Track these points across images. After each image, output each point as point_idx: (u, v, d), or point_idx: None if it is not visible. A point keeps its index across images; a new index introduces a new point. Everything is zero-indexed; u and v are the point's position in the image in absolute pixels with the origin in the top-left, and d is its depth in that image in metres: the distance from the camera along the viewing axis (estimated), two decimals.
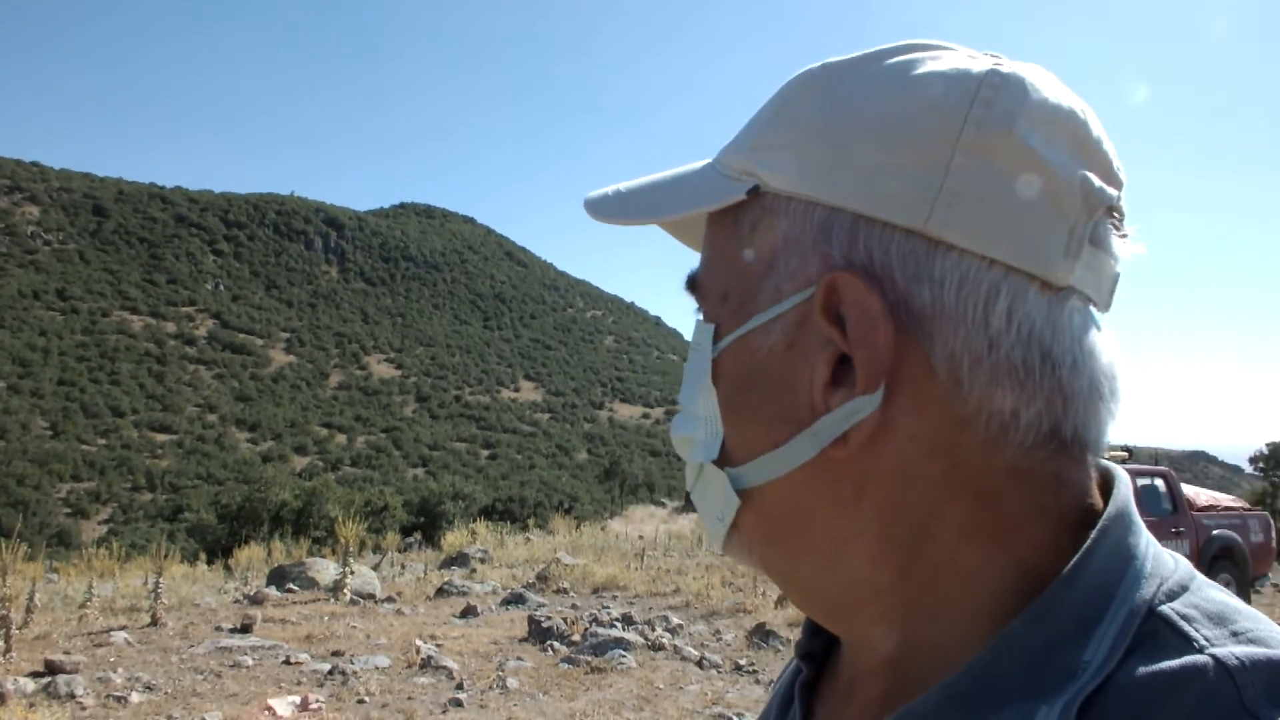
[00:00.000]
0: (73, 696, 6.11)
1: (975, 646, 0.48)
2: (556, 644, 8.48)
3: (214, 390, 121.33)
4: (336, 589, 11.18)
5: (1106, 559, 0.48)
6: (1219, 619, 0.46)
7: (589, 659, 7.82)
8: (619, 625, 9.21)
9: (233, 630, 8.82)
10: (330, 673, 7.19)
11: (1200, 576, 0.50)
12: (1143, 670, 0.44)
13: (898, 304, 0.49)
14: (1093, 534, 0.49)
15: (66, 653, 7.33)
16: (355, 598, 11.06)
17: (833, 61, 0.55)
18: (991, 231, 0.48)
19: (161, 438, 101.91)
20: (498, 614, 10.43)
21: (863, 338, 0.49)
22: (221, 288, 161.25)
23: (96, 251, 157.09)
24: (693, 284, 0.60)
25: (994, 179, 0.48)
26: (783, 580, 0.57)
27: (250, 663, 7.46)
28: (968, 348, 0.48)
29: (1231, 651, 0.43)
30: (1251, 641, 0.45)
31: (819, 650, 0.65)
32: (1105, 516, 0.50)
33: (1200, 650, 0.44)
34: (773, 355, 0.53)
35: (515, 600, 11.17)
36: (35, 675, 6.59)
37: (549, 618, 9.25)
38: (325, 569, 12.54)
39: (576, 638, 8.64)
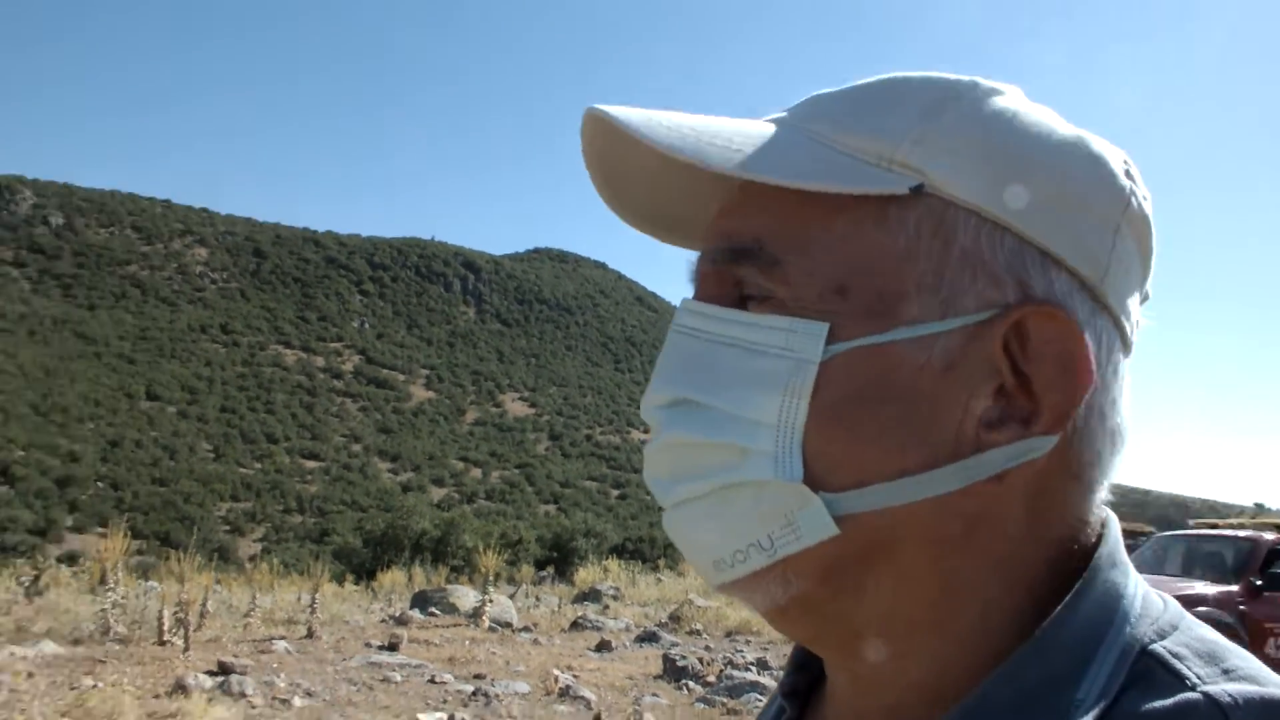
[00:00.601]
0: (244, 695, 6.51)
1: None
2: (691, 683, 8.46)
3: (359, 422, 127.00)
4: (476, 615, 11.50)
5: (1097, 599, 0.48)
6: (1210, 657, 0.46)
7: (725, 700, 7.76)
8: (754, 669, 9.10)
9: (381, 648, 9.18)
10: (474, 694, 7.39)
11: (1189, 616, 0.50)
12: (1137, 708, 0.44)
13: None
14: (1084, 574, 0.49)
15: (235, 656, 7.81)
16: (494, 625, 11.34)
17: (983, 83, 0.53)
18: (1128, 300, 0.52)
19: (310, 464, 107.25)
20: (631, 650, 10.49)
21: (1061, 379, 0.48)
22: (367, 326, 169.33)
23: (256, 290, 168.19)
24: (751, 255, 0.52)
25: (1134, 253, 0.52)
26: (806, 612, 0.52)
27: (399, 679, 7.75)
28: (1099, 404, 0.50)
29: (1224, 689, 0.43)
30: (1243, 679, 0.44)
31: (803, 688, 0.64)
32: (1096, 557, 0.50)
33: (1193, 688, 0.44)
34: (924, 373, 0.48)
35: (648, 638, 11.20)
36: (210, 674, 7.06)
37: (683, 657, 9.23)
38: (465, 596, 12.92)
39: (711, 679, 8.59)
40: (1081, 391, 0.48)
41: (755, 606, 0.53)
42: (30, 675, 6.42)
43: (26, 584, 10.99)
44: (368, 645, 9.28)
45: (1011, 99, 0.52)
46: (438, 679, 7.88)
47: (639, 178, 0.58)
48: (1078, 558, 0.50)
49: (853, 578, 0.50)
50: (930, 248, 0.49)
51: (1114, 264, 0.51)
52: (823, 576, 0.50)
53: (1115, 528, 0.53)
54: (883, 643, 0.51)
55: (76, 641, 8.21)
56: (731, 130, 0.53)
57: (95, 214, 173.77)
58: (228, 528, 79.31)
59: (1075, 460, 0.50)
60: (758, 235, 0.52)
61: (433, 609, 12.53)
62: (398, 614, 11.88)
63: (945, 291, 0.49)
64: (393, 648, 9.16)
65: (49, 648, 7.62)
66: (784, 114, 0.56)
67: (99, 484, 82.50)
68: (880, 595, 0.50)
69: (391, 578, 17.22)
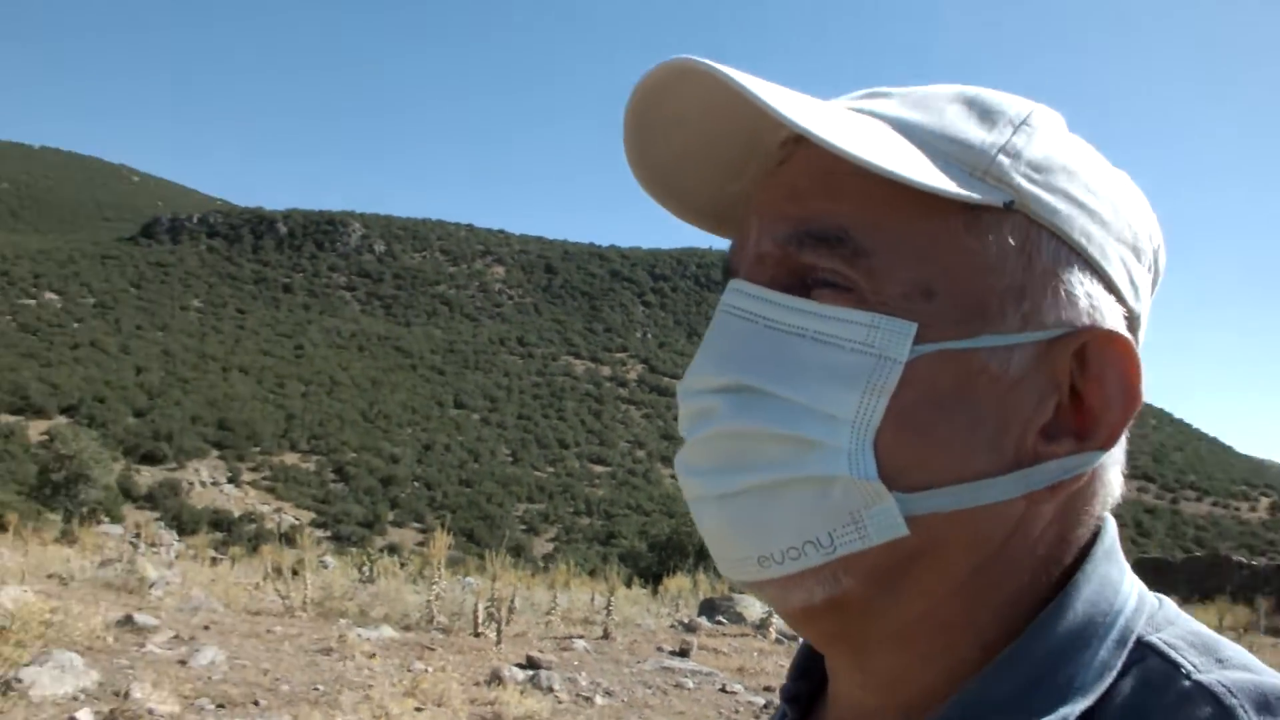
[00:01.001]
0: (551, 690, 6.92)
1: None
2: None
3: (642, 429, 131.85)
4: (763, 626, 11.52)
5: (1093, 592, 0.50)
6: (1204, 648, 0.47)
7: None
8: None
9: (672, 653, 9.41)
10: (764, 707, 7.37)
11: (1184, 614, 0.52)
12: (1132, 695, 0.45)
13: None
14: (1083, 567, 0.51)
15: (540, 651, 8.32)
16: (780, 637, 11.28)
17: (1049, 110, 0.54)
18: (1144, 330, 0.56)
19: (598, 469, 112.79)
20: None
21: (1120, 401, 0.50)
22: (649, 336, 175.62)
23: (548, 304, 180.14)
24: (833, 242, 0.50)
25: (1149, 287, 0.56)
26: (837, 612, 0.52)
27: (690, 686, 7.90)
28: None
29: (1218, 678, 0.45)
30: (1237, 668, 0.46)
31: (804, 694, 0.63)
32: (1092, 552, 0.52)
33: (1188, 676, 0.45)
34: (1000, 382, 0.49)
35: None
36: (520, 666, 7.58)
37: None
38: (752, 605, 12.96)
39: None
40: (1134, 412, 0.50)
41: (785, 604, 0.52)
42: (373, 656, 7.21)
43: (365, 573, 12.43)
44: (659, 650, 9.56)
45: (1064, 128, 0.54)
46: (728, 689, 7.95)
47: (673, 145, 0.57)
48: (1079, 556, 0.52)
49: (895, 579, 0.50)
50: (1016, 262, 0.50)
51: (1145, 298, 0.55)
52: (871, 577, 0.50)
53: (1112, 526, 0.54)
54: (903, 643, 0.52)
55: (407, 628, 9.13)
56: (822, 108, 0.51)
57: (410, 240, 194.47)
58: (524, 527, 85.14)
59: (1102, 471, 0.52)
60: (842, 223, 0.50)
61: (720, 617, 12.71)
62: (686, 620, 12.16)
63: (1027, 306, 0.50)
64: (683, 654, 9.36)
65: (386, 632, 8.53)
66: (853, 101, 0.55)
67: (415, 484, 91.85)
68: (915, 597, 0.50)
69: (677, 583, 17.68)
